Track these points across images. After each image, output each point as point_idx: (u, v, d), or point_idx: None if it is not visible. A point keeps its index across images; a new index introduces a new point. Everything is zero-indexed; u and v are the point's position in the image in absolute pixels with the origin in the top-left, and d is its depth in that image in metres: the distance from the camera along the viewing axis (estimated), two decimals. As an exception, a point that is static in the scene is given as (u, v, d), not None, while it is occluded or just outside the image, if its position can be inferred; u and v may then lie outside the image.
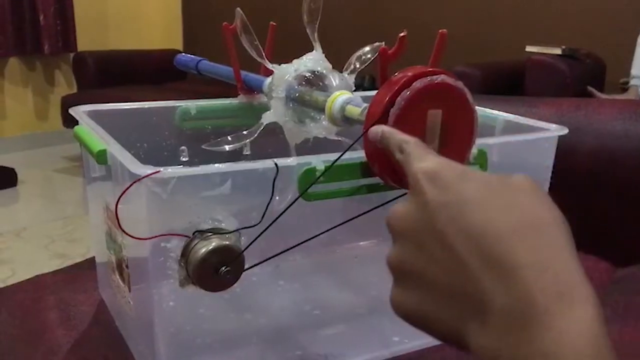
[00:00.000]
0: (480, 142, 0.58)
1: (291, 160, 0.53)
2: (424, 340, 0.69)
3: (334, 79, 0.65)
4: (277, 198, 0.53)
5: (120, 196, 0.51)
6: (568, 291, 0.30)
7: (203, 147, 0.64)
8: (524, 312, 0.29)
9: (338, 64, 0.68)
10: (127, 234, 0.53)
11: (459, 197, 0.35)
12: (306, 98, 0.65)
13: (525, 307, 0.29)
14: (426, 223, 0.35)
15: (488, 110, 0.78)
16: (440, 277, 0.34)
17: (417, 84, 0.49)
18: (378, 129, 0.47)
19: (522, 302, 0.30)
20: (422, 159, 0.39)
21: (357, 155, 0.54)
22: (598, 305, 0.30)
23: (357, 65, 0.68)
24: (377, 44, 0.66)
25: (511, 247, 0.31)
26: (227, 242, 0.52)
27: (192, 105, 0.78)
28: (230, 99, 0.81)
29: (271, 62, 0.71)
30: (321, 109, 0.62)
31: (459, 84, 0.51)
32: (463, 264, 0.32)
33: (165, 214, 0.52)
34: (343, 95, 0.60)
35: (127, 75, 3.57)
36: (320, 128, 0.65)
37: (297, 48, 0.72)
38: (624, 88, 2.41)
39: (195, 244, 0.51)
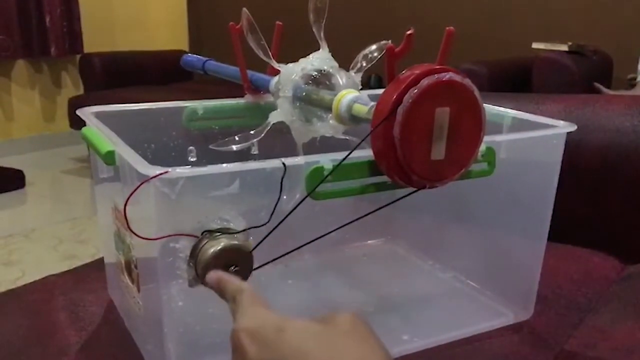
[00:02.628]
0: (488, 139, 0.58)
1: (299, 160, 0.53)
2: (434, 339, 0.69)
3: (340, 78, 0.65)
4: (285, 197, 0.53)
5: (129, 197, 0.51)
6: None
7: (211, 147, 0.64)
8: None
9: (345, 63, 0.68)
10: (136, 234, 0.53)
11: (278, 352, 0.34)
12: (313, 97, 0.65)
13: None
14: None
15: (496, 108, 0.78)
16: None
17: (425, 82, 0.49)
18: (214, 275, 0.48)
19: None
20: (246, 315, 0.39)
21: (365, 153, 0.53)
22: None
23: (364, 64, 0.68)
24: (383, 42, 0.66)
25: None
26: (236, 242, 0.52)
27: (199, 105, 0.78)
28: (237, 98, 0.81)
29: (278, 61, 0.71)
30: (328, 108, 0.62)
31: (467, 82, 0.51)
32: None
33: (173, 214, 0.52)
34: (350, 94, 0.60)
35: (133, 76, 3.58)
36: (328, 127, 0.65)
37: (304, 47, 0.72)
38: (632, 84, 2.39)
39: (204, 244, 0.51)
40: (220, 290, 0.47)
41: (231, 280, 0.47)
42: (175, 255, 0.52)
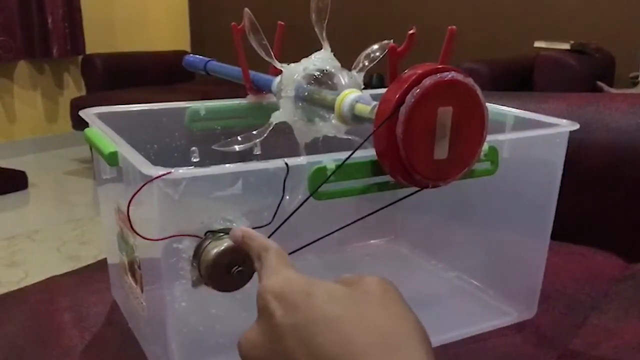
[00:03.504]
0: (490, 138, 0.58)
1: (301, 160, 0.53)
2: (437, 338, 0.69)
3: (342, 78, 0.65)
4: (287, 197, 0.52)
5: (132, 198, 0.51)
6: None
7: (213, 147, 0.64)
8: None
9: (347, 63, 0.68)
10: (139, 235, 0.53)
11: (307, 316, 0.33)
12: (315, 97, 0.65)
13: None
14: (277, 348, 0.34)
15: (498, 107, 0.78)
16: None
17: (427, 81, 0.49)
18: (238, 232, 0.47)
19: None
20: (272, 275, 0.38)
21: (368, 153, 0.53)
22: None
23: (366, 64, 0.68)
24: (385, 41, 0.66)
25: None
26: (239, 242, 0.52)
27: (201, 106, 0.78)
28: (239, 99, 0.81)
29: (280, 61, 0.71)
30: (330, 108, 0.62)
31: (469, 81, 0.51)
32: None
33: (176, 214, 0.52)
34: (352, 94, 0.60)
35: (135, 76, 3.58)
36: (330, 127, 0.65)
37: (306, 47, 0.72)
38: (634, 82, 2.39)
39: (207, 245, 0.51)
40: (244, 247, 0.46)
41: (256, 238, 0.45)
42: (179, 255, 0.52)
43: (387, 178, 0.54)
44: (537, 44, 2.36)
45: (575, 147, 0.71)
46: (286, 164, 0.52)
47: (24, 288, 0.85)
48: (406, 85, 0.49)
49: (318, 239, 0.52)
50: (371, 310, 0.33)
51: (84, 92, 3.67)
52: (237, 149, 0.65)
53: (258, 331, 0.36)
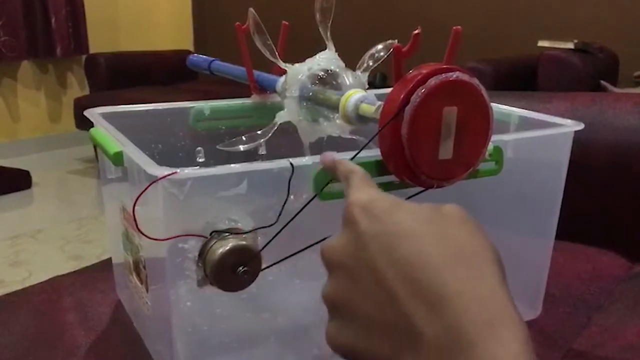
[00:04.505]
0: (495, 138, 0.58)
1: (306, 160, 0.53)
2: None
3: (347, 78, 0.65)
4: (292, 197, 0.53)
5: (138, 198, 0.51)
6: (497, 319, 0.30)
7: (218, 147, 0.64)
8: (453, 342, 0.29)
9: (351, 63, 0.68)
10: (144, 235, 0.53)
11: (390, 228, 0.35)
12: (320, 97, 0.65)
13: (455, 337, 0.30)
14: (359, 255, 0.35)
15: (502, 107, 0.77)
16: (374, 312, 0.34)
17: (432, 81, 0.49)
18: (329, 156, 0.50)
19: (452, 332, 0.30)
20: (359, 191, 0.40)
21: (372, 153, 0.53)
22: (525, 330, 0.31)
23: (370, 64, 0.68)
24: (390, 41, 0.66)
25: (441, 279, 0.31)
26: (244, 242, 0.52)
27: (205, 105, 0.78)
28: (244, 99, 0.81)
29: (284, 61, 0.71)
30: (335, 108, 0.62)
31: (474, 81, 0.51)
32: (394, 297, 0.32)
33: (182, 214, 0.52)
34: (357, 94, 0.60)
35: (139, 76, 3.59)
36: (335, 127, 0.65)
37: (310, 47, 0.72)
38: (638, 82, 2.39)
39: (213, 245, 0.51)
40: (332, 170, 0.49)
41: (344, 162, 0.48)
42: (184, 255, 0.52)
43: (392, 178, 0.54)
44: (541, 43, 2.35)
45: (580, 147, 0.71)
46: (291, 164, 0.52)
47: (28, 288, 0.86)
48: (411, 85, 0.49)
49: (323, 239, 0.52)
50: (451, 229, 0.35)
51: (87, 92, 3.67)
52: (242, 149, 0.65)
53: (343, 239, 0.37)
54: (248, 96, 0.80)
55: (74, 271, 0.89)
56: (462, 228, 0.35)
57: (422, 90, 0.49)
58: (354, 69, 0.67)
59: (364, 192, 0.40)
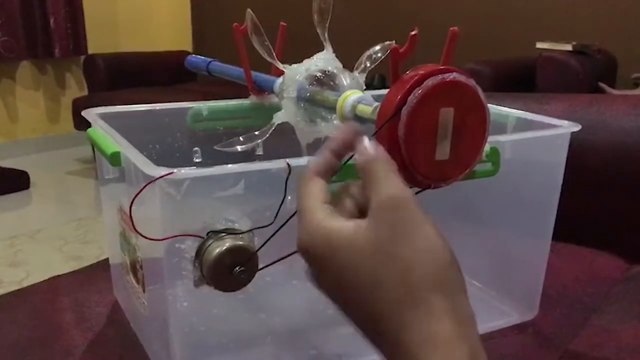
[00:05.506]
0: (492, 139, 0.58)
1: (303, 160, 0.53)
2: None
3: (344, 79, 0.65)
4: (289, 198, 0.53)
5: (135, 198, 0.51)
6: None
7: (215, 147, 0.64)
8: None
9: (349, 63, 0.68)
10: (141, 235, 0.53)
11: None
12: (317, 98, 0.65)
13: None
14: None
15: (500, 108, 0.78)
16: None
17: (429, 82, 0.49)
18: (352, 127, 0.47)
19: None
20: (386, 185, 0.42)
21: (370, 154, 0.53)
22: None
23: (368, 65, 0.68)
24: (387, 42, 0.66)
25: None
26: (241, 242, 0.52)
27: (203, 106, 0.78)
28: (241, 99, 0.81)
29: (282, 62, 0.71)
30: (332, 109, 0.62)
31: (471, 82, 0.51)
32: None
33: (179, 214, 0.52)
34: (354, 95, 0.60)
35: (137, 77, 3.59)
36: (332, 127, 0.65)
37: (308, 48, 0.72)
38: (636, 83, 2.39)
39: (209, 245, 0.51)
40: (347, 147, 0.47)
41: (366, 143, 0.45)
42: (181, 255, 0.52)
43: (389, 179, 0.54)
44: (539, 45, 2.36)
45: (577, 148, 0.71)
46: (288, 164, 0.52)
47: (26, 288, 0.86)
48: (408, 86, 0.49)
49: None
50: None
51: (86, 92, 3.67)
52: (239, 150, 0.65)
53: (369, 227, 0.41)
54: (246, 97, 0.80)
55: (72, 271, 0.89)
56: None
57: (419, 91, 0.49)
58: (351, 70, 0.67)
59: (393, 184, 0.42)
